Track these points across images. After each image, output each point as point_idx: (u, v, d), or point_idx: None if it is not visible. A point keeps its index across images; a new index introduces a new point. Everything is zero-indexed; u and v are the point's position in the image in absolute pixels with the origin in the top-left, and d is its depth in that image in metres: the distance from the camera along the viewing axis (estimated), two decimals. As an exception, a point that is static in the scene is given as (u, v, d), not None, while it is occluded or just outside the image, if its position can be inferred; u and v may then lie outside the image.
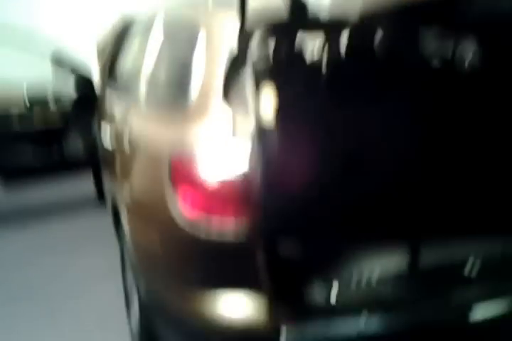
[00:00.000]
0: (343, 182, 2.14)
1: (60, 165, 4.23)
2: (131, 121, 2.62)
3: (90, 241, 3.84)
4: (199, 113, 1.93)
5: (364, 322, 1.75)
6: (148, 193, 2.18)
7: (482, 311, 1.83)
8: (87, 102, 3.84)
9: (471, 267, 1.86)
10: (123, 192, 2.54)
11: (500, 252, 1.93)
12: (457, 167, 1.87)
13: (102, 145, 3.23)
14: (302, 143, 1.85)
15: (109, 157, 3.00)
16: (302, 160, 1.86)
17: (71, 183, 4.39)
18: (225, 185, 1.78)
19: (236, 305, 1.83)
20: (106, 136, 3.08)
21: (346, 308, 1.77)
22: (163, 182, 1.92)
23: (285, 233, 1.74)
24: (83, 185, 4.38)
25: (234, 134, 1.79)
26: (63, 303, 3.12)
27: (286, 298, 1.72)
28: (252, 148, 1.68)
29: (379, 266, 1.84)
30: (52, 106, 4.16)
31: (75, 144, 4.21)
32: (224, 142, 1.80)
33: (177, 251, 1.94)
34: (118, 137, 2.75)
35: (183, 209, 1.85)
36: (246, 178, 1.72)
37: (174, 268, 1.98)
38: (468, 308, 1.81)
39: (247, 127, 1.68)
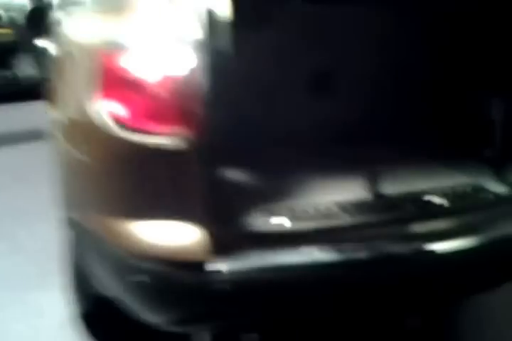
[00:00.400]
0: (300, 103, 2.04)
1: (12, 91, 3.91)
2: (66, 28, 2.29)
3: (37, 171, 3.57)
4: (132, 8, 1.66)
5: (315, 252, 1.57)
6: (79, 104, 1.79)
7: (440, 246, 1.67)
8: (40, 15, 3.44)
9: (432, 200, 1.77)
10: (55, 112, 2.17)
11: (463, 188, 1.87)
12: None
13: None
14: (259, 56, 1.71)
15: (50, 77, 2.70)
16: (256, 75, 1.72)
17: (25, 111, 4.13)
18: (166, 86, 1.51)
19: (162, 227, 1.57)
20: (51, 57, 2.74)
21: (295, 237, 1.61)
22: (93, 87, 1.64)
23: (229, 153, 1.55)
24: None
25: (177, 37, 1.53)
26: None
27: (226, 224, 1.53)
28: (201, 54, 1.48)
29: (334, 194, 1.75)
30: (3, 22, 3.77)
31: (28, 68, 3.89)
32: (166, 43, 1.54)
33: (108, 167, 1.65)
34: (57, 53, 2.39)
35: (115, 116, 1.57)
36: (190, 83, 1.49)
37: (102, 191, 1.70)
38: (425, 241, 1.66)
39: (193, 30, 1.49)
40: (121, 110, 1.55)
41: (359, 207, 1.71)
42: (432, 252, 1.63)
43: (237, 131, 1.90)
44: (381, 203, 1.75)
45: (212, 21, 1.49)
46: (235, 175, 1.71)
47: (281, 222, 1.59)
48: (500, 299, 2.24)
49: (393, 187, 1.82)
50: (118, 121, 1.56)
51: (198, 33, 1.48)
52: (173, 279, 1.51)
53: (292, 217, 1.63)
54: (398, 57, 2.17)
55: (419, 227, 1.70)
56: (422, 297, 1.73)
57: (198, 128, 1.47)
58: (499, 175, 1.96)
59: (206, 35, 1.48)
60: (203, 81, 1.45)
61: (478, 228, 1.73)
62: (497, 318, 2.26)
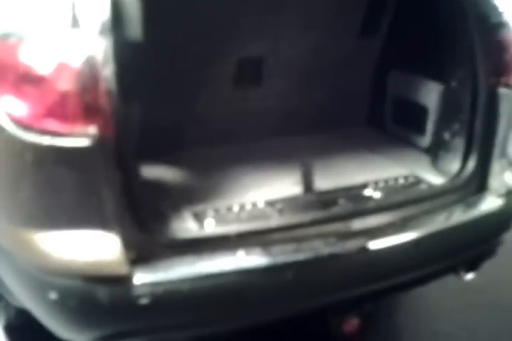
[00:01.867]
0: (221, 94, 1.95)
1: None
2: None
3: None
4: None
5: (242, 256, 1.41)
6: None
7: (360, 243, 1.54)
8: None
9: (368, 195, 1.69)
10: None
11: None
12: None
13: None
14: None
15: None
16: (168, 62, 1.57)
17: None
18: (64, 77, 1.31)
19: (74, 238, 1.39)
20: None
21: (221, 241, 1.43)
22: None
23: (144, 152, 1.43)
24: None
25: (76, 21, 1.33)
26: None
27: (146, 231, 1.37)
28: (105, 41, 1.30)
29: (264, 192, 1.62)
30: None
31: None
32: (64, 30, 1.34)
33: (8, 172, 1.42)
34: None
35: (9, 111, 1.36)
36: (91, 73, 1.30)
37: (3, 199, 1.46)
38: (361, 239, 1.52)
39: (95, 13, 1.30)
40: (18, 107, 1.35)
41: (290, 205, 1.58)
42: (370, 250, 1.49)
43: (151, 127, 1.71)
44: (314, 200, 1.63)
45: (116, 2, 1.33)
46: (152, 176, 1.55)
47: (205, 225, 1.46)
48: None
49: (327, 182, 1.71)
50: (15, 120, 1.35)
51: (101, 15, 1.30)
52: (91, 296, 1.35)
53: (218, 220, 1.49)
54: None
55: (354, 225, 1.57)
56: (359, 298, 1.62)
57: (105, 125, 1.29)
58: (434, 165, 1.88)
59: (110, 17, 1.30)
60: (107, 71, 1.28)
61: (415, 222, 1.62)
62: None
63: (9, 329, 2.07)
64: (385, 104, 2.18)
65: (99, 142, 1.28)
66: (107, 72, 1.27)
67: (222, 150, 1.80)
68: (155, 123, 1.71)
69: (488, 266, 1.85)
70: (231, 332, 1.54)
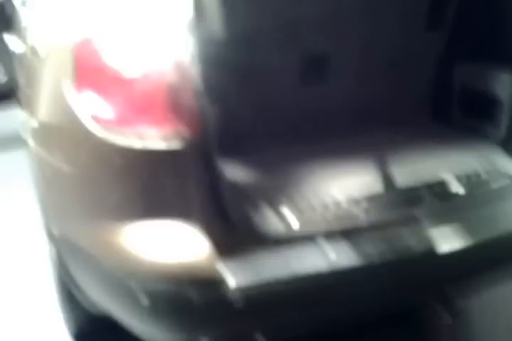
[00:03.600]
0: (296, 90, 1.91)
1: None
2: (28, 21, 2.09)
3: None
4: None
5: (330, 252, 1.39)
6: (51, 104, 1.61)
7: (450, 242, 1.51)
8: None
9: (451, 189, 1.61)
10: (27, 115, 1.96)
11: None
12: None
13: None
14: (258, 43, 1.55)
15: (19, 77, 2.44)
16: (250, 61, 1.55)
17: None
18: (152, 80, 1.32)
19: (163, 240, 1.38)
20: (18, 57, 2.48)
21: (308, 236, 1.42)
22: (66, 85, 1.43)
23: (228, 148, 1.37)
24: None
25: (159, 20, 1.33)
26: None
27: (230, 226, 1.34)
28: (190, 40, 1.29)
29: (346, 187, 1.59)
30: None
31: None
32: (148, 29, 1.34)
33: (89, 170, 1.46)
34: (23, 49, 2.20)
35: (96, 115, 1.38)
36: (179, 73, 1.30)
37: (85, 193, 1.50)
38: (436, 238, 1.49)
39: (177, 12, 1.29)
40: (106, 110, 1.36)
41: (375, 203, 1.54)
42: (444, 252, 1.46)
43: (233, 126, 1.72)
44: (398, 198, 1.59)
45: (199, 1, 1.31)
46: (234, 176, 1.52)
47: (292, 225, 1.43)
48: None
49: (407, 178, 1.66)
50: (99, 121, 1.36)
51: (184, 15, 1.30)
52: (185, 300, 1.33)
53: (302, 220, 1.47)
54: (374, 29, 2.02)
55: (441, 221, 1.52)
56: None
57: (195, 127, 1.29)
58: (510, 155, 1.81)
59: (193, 17, 1.30)
60: (195, 71, 1.28)
61: (498, 220, 1.57)
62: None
63: (80, 337, 2.07)
64: (452, 97, 2.13)
65: (190, 144, 1.27)
66: (195, 72, 1.25)
67: (295, 150, 1.78)
68: (231, 123, 1.70)
69: None
70: (324, 333, 1.52)
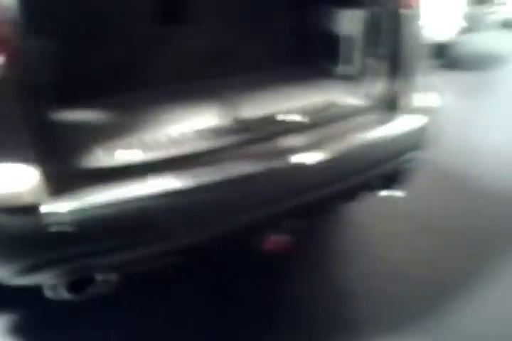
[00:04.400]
0: (146, 29, 1.83)
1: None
2: None
3: None
4: None
5: (168, 179, 1.40)
6: None
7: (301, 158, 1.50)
8: None
9: (289, 118, 1.61)
10: None
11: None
12: None
13: None
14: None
15: None
16: None
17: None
18: None
19: None
20: None
21: (147, 167, 1.40)
22: None
23: (72, 88, 1.32)
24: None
25: None
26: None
27: (63, 163, 1.31)
28: None
29: (191, 122, 1.57)
30: None
31: None
32: None
33: None
34: None
35: None
36: None
37: None
38: (285, 156, 1.46)
39: None
40: None
41: (217, 131, 1.56)
42: (289, 168, 1.53)
43: (77, 65, 1.60)
44: (239, 126, 1.62)
45: None
46: (77, 116, 1.47)
47: (131, 154, 1.41)
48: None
49: (252, 111, 1.64)
50: None
51: None
52: (8, 226, 1.29)
53: (143, 148, 1.45)
54: None
55: (274, 145, 1.52)
56: (278, 215, 1.64)
57: (13, 56, 1.19)
58: (354, 89, 1.90)
59: None
60: (9, 1, 1.18)
61: (335, 139, 1.66)
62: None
63: None
64: (309, 40, 2.17)
65: (9, 72, 1.18)
66: (9, 1, 1.16)
67: (149, 93, 1.74)
68: (77, 66, 1.61)
69: (415, 192, 1.91)
70: (150, 257, 1.53)
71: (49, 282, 1.49)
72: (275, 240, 1.71)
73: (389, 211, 2.25)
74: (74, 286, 1.44)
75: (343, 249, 2.12)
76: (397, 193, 1.90)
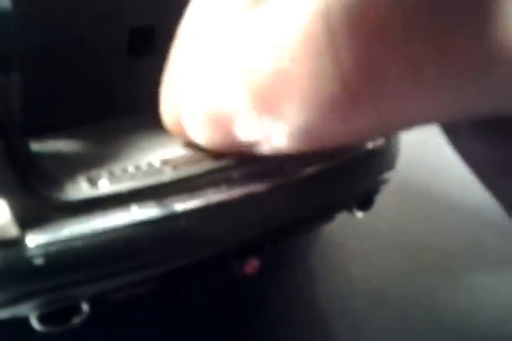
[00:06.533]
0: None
1: None
2: None
3: None
4: None
5: (135, 210, 1.40)
6: None
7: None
8: None
9: None
10: None
11: None
12: None
13: None
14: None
15: None
16: None
17: None
18: None
19: None
20: None
21: (114, 198, 1.40)
22: None
23: (38, 121, 1.32)
24: None
25: None
26: None
27: (32, 195, 1.30)
28: None
29: (161, 153, 1.54)
30: None
31: None
32: None
33: None
34: None
35: None
36: None
37: None
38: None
39: None
40: None
41: (184, 161, 1.55)
42: (257, 194, 1.52)
43: (40, 99, 1.61)
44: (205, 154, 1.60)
45: None
46: (45, 149, 1.46)
47: (99, 186, 1.40)
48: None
49: None
50: None
51: None
52: None
53: (111, 180, 1.44)
54: None
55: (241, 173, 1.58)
56: (255, 240, 1.63)
57: None
58: None
59: None
60: None
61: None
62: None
63: None
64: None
65: None
66: None
67: (117, 123, 1.71)
68: (43, 96, 1.59)
69: (391, 211, 1.92)
70: (130, 285, 1.51)
71: (27, 314, 1.47)
72: (250, 262, 1.70)
73: (368, 231, 2.26)
74: (48, 318, 1.43)
75: (318, 268, 2.14)
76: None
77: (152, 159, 1.46)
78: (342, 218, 1.69)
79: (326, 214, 1.59)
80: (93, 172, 1.32)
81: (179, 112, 0.54)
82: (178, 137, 0.87)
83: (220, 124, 0.50)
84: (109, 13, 1.43)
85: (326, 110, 0.32)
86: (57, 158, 1.44)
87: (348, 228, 2.15)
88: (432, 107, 0.31)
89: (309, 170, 1.39)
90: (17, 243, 1.12)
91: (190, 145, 1.01)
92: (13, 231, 1.20)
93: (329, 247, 2.14)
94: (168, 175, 1.33)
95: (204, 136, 0.55)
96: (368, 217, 1.76)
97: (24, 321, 1.06)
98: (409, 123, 0.34)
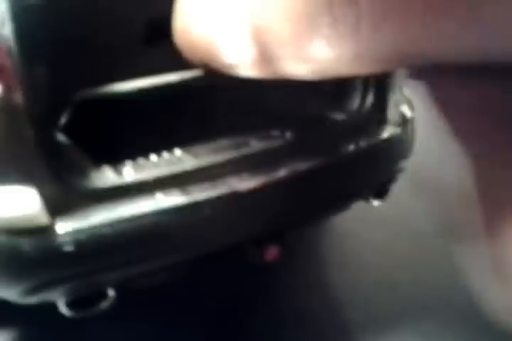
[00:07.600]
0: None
1: None
2: None
3: None
4: None
5: (160, 197, 1.43)
6: None
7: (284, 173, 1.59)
8: None
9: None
10: None
11: None
12: None
13: None
14: None
15: None
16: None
17: None
18: None
19: None
20: None
21: (140, 187, 1.43)
22: None
23: (57, 105, 1.33)
24: None
25: None
26: None
27: (61, 183, 1.32)
28: None
29: (180, 140, 1.55)
30: None
31: None
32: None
33: None
34: None
35: None
36: None
37: None
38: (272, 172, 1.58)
39: None
40: None
41: (205, 148, 1.57)
42: (280, 181, 1.54)
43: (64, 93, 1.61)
44: (229, 143, 1.62)
45: None
46: (73, 134, 1.48)
47: (124, 174, 1.43)
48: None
49: (239, 126, 1.70)
50: None
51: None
52: (17, 249, 1.31)
53: (135, 168, 1.46)
54: None
55: (264, 161, 1.61)
56: (275, 227, 1.65)
57: (9, 85, 1.22)
58: (337, 104, 1.91)
59: None
60: (6, 30, 1.20)
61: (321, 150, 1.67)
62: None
63: None
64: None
65: (6, 101, 1.20)
66: (6, 31, 1.17)
67: (136, 105, 1.73)
68: (66, 88, 1.60)
69: (402, 199, 1.93)
70: (155, 271, 1.55)
71: (57, 299, 1.51)
72: (271, 250, 1.73)
73: (377, 219, 2.28)
74: (76, 303, 1.46)
75: (330, 256, 2.16)
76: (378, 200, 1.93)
77: (173, 146, 1.47)
78: (353, 207, 1.72)
79: (346, 202, 1.62)
80: (118, 161, 1.34)
81: (191, 32, 0.53)
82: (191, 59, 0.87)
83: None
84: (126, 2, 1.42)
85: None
86: (84, 147, 1.47)
87: (359, 217, 2.19)
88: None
89: (330, 160, 1.41)
90: (47, 230, 1.15)
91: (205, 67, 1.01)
92: (43, 219, 1.22)
93: (341, 236, 2.18)
94: (189, 163, 1.35)
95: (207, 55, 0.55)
96: (378, 206, 1.78)
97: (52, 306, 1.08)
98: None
